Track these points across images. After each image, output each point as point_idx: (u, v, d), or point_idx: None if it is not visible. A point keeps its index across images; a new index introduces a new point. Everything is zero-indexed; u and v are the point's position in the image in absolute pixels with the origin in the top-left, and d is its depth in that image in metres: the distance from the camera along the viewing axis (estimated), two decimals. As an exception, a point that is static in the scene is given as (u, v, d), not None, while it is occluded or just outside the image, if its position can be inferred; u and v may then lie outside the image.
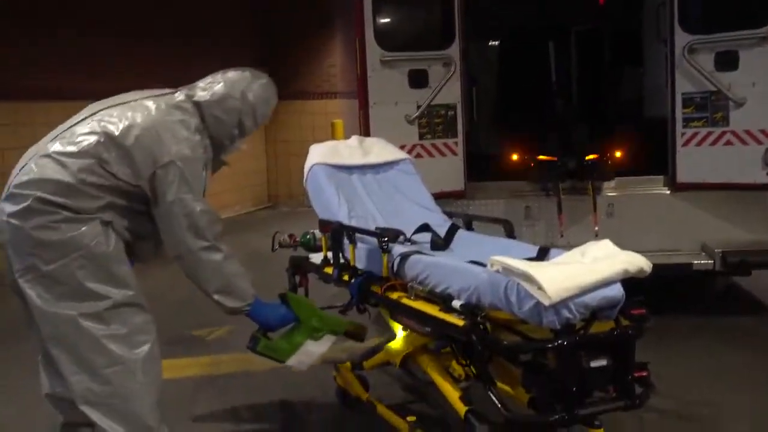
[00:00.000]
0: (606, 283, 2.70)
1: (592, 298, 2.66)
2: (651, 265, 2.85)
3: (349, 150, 4.18)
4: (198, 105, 3.03)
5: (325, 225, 3.74)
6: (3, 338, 5.15)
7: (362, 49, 5.09)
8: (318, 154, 4.08)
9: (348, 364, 3.89)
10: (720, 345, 4.73)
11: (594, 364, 2.67)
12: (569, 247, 3.04)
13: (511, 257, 2.88)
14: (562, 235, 4.99)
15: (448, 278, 2.99)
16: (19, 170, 2.91)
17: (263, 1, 12.10)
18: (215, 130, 3.06)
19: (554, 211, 5.12)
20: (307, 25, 11.70)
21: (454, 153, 5.28)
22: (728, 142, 4.98)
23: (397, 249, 3.34)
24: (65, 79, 8.08)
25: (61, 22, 8.29)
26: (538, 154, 5.40)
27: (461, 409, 2.99)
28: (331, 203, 3.83)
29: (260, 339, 3.14)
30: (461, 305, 2.85)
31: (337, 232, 3.59)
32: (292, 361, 3.18)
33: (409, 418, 3.24)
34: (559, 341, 2.62)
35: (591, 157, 5.26)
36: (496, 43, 7.77)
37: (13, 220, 2.79)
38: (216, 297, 2.96)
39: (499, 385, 3.19)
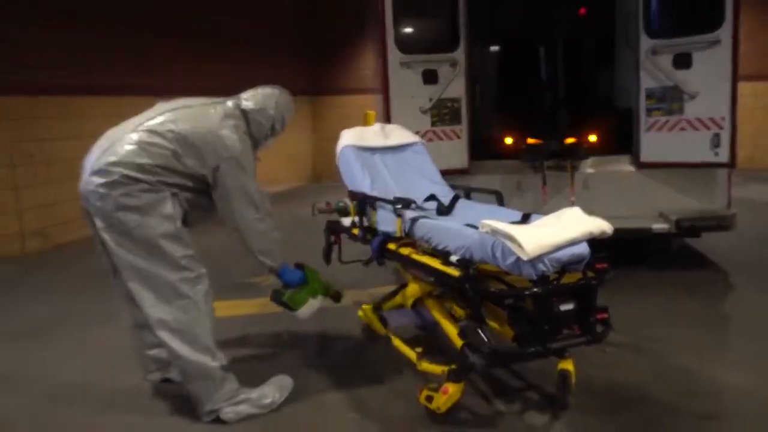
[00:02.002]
0: (574, 242, 2.68)
1: (563, 254, 2.65)
2: (612, 228, 2.82)
3: (373, 134, 4.15)
4: (244, 112, 3.24)
5: (352, 195, 3.73)
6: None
7: (384, 52, 5.04)
8: (347, 137, 4.05)
9: (370, 306, 3.90)
10: (675, 293, 4.64)
11: (563, 307, 2.65)
12: (549, 213, 3.00)
13: (499, 221, 2.88)
14: (545, 204, 4.94)
15: (448, 238, 2.98)
16: (103, 151, 3.02)
17: (307, 14, 12.00)
18: (256, 132, 3.26)
19: (540, 184, 5.06)
20: (344, 34, 11.64)
21: (459, 137, 5.23)
22: (683, 128, 4.86)
23: (409, 214, 3.33)
24: (133, 77, 7.75)
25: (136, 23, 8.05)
26: (528, 139, 5.34)
27: (458, 342, 2.99)
28: (357, 177, 3.82)
29: (282, 293, 3.37)
30: (457, 260, 2.85)
31: (361, 200, 3.60)
32: (301, 310, 3.37)
33: (416, 349, 3.24)
34: (535, 289, 2.60)
35: (570, 140, 5.20)
36: (497, 48, 7.62)
37: (101, 189, 2.93)
38: (259, 257, 3.19)
39: (491, 324, 3.19)
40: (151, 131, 3.02)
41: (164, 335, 2.96)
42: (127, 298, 3.17)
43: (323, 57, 11.96)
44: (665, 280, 4.92)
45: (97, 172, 2.95)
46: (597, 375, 3.36)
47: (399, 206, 3.32)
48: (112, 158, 2.96)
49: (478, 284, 2.77)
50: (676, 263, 5.45)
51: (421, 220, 3.21)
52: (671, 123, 4.91)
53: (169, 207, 2.97)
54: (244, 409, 3.05)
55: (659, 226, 4.88)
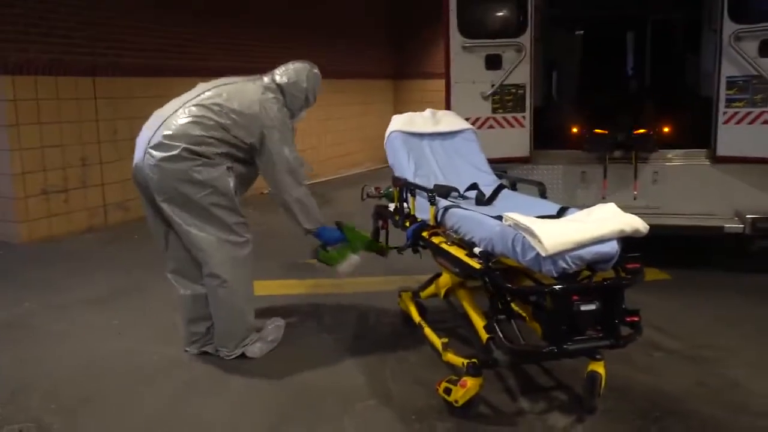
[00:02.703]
0: (601, 240, 2.53)
1: (587, 252, 2.51)
2: (647, 227, 2.64)
3: (423, 120, 4.09)
4: (280, 86, 3.52)
5: (395, 181, 3.70)
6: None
7: (447, 37, 4.93)
8: (397, 123, 4.02)
9: (409, 293, 3.87)
10: (739, 299, 4.31)
11: (584, 307, 2.52)
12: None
13: (533, 214, 2.77)
14: (604, 198, 4.69)
15: (473, 229, 2.90)
16: (157, 128, 3.25)
17: (390, 4, 12.00)
18: (290, 104, 3.54)
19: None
20: (425, 19, 11.66)
21: (522, 125, 5.03)
22: (766, 121, 4.46)
23: (442, 203, 3.26)
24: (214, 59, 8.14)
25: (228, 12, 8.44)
26: (595, 128, 5.08)
27: (484, 336, 2.92)
28: (402, 163, 3.78)
29: (320, 251, 3.64)
30: (480, 251, 2.77)
31: (402, 187, 3.56)
32: (341, 267, 3.63)
33: (442, 340, 3.19)
34: (549, 287, 2.48)
35: (640, 131, 4.88)
36: (580, 31, 7.29)
37: (163, 164, 3.20)
38: (299, 218, 3.45)
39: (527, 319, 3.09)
40: (200, 105, 3.29)
41: (214, 284, 3.34)
42: (173, 271, 3.47)
43: (405, 42, 12.03)
44: (732, 285, 4.57)
45: (157, 146, 3.22)
46: (636, 379, 3.18)
47: (433, 194, 3.24)
48: (168, 132, 3.22)
49: (497, 278, 2.66)
50: (753, 266, 5.04)
51: (451, 210, 3.14)
52: (753, 115, 4.52)
53: (227, 181, 3.26)
54: (260, 346, 3.52)
55: (732, 226, 4.53)
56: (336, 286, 4.66)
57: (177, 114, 3.27)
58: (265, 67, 3.73)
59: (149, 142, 3.23)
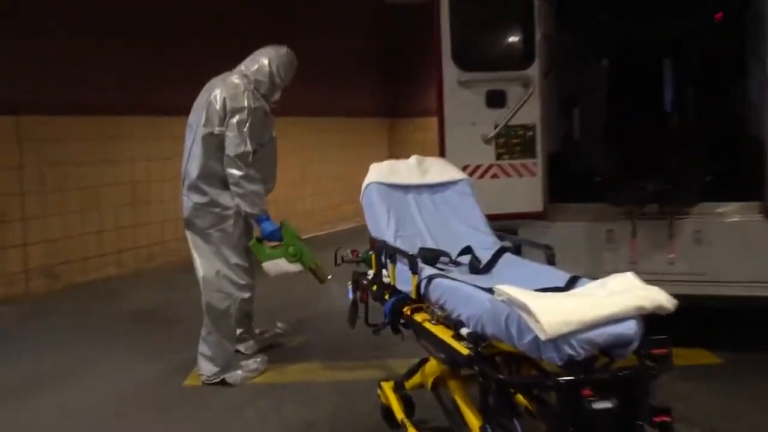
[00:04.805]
0: (615, 319, 2.45)
1: (599, 335, 2.42)
2: (675, 302, 2.57)
3: (407, 169, 4.07)
4: (246, 76, 4.60)
5: (372, 243, 3.66)
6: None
7: (439, 69, 4.96)
8: (376, 173, 3.99)
9: (391, 383, 3.78)
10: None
11: (598, 405, 2.41)
12: (642, 275, 2.74)
13: (537, 285, 2.73)
14: (633, 262, 4.63)
15: (461, 304, 2.84)
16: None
17: (384, 34, 12.49)
18: (260, 88, 4.58)
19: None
20: (422, 49, 11.76)
21: (533, 174, 5.02)
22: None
23: (427, 271, 3.21)
24: None
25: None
26: (624, 175, 5.05)
27: (478, 440, 2.82)
28: (380, 221, 3.74)
29: (254, 241, 4.55)
30: (468, 333, 2.69)
31: (379, 250, 3.51)
32: (265, 264, 4.54)
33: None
34: (553, 378, 2.40)
35: (677, 179, 4.83)
36: (605, 61, 7.39)
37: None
38: (241, 203, 4.48)
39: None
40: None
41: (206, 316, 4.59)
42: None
43: (402, 74, 12.25)
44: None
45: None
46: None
47: (415, 259, 3.19)
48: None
49: (488, 367, 2.59)
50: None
51: (436, 280, 3.08)
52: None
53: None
54: (240, 374, 4.55)
55: (792, 296, 4.46)
56: (305, 372, 4.62)
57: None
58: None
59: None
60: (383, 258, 3.47)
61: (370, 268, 3.89)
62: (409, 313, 3.22)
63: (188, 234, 4.61)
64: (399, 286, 3.39)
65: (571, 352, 2.40)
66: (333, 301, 5.60)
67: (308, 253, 4.63)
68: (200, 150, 4.48)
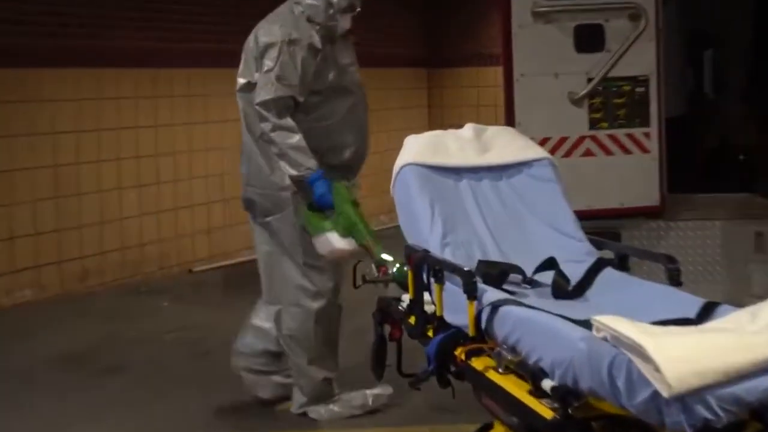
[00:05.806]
0: (774, 367, 2.46)
1: (750, 390, 2.43)
2: None
3: (460, 144, 4.13)
4: (299, 2, 4.89)
5: (409, 253, 3.68)
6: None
7: (507, -1, 5.07)
8: (414, 150, 4.08)
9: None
10: None
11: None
12: None
13: (654, 317, 2.79)
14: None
15: (542, 344, 2.87)
16: None
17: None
18: (315, 16, 4.81)
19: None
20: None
21: (645, 150, 5.12)
22: None
23: (490, 294, 3.22)
24: None
25: None
26: None
27: None
28: (421, 222, 3.81)
29: (306, 209, 4.73)
30: (552, 387, 2.71)
31: (419, 265, 3.55)
32: (315, 239, 4.70)
33: None
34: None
35: None
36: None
37: None
38: (282, 164, 4.77)
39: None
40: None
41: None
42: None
43: (441, 8, 12.30)
44: None
45: None
46: None
47: (473, 279, 3.21)
48: None
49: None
50: None
51: (506, 308, 3.10)
52: None
53: None
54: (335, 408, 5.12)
55: None
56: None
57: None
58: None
59: None
60: (425, 276, 3.51)
61: (406, 291, 3.95)
62: (464, 357, 3.24)
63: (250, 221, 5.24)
64: (448, 318, 3.45)
65: (707, 415, 2.41)
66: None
67: (362, 226, 4.61)
68: (241, 108, 4.94)
